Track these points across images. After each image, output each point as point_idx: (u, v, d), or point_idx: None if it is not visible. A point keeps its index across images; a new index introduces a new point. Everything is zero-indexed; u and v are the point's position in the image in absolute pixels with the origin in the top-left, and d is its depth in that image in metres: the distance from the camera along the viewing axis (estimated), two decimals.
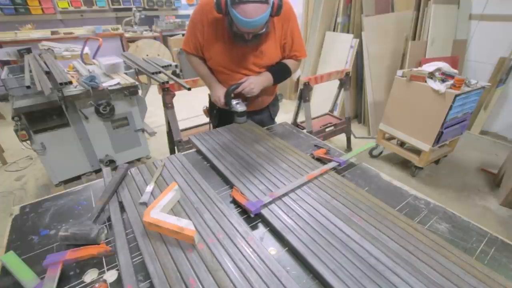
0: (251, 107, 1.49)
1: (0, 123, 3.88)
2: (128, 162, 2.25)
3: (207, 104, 1.69)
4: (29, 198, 2.41)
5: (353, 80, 3.61)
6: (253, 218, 0.83)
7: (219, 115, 1.61)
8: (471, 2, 3.17)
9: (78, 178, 2.26)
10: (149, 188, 0.92)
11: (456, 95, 2.09)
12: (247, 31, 1.16)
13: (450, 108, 2.14)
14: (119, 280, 0.65)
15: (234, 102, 1.36)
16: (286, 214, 0.81)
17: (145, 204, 0.86)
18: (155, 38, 5.11)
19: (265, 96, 1.53)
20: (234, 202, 0.89)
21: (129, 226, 0.79)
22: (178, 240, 0.71)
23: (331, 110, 3.35)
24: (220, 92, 1.38)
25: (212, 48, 1.34)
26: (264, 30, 1.20)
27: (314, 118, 3.04)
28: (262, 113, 1.58)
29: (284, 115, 3.97)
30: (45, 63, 2.23)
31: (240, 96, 1.36)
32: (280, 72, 1.42)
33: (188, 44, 1.40)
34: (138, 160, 2.51)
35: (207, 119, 1.79)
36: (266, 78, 1.38)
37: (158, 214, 0.74)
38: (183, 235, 0.69)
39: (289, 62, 1.43)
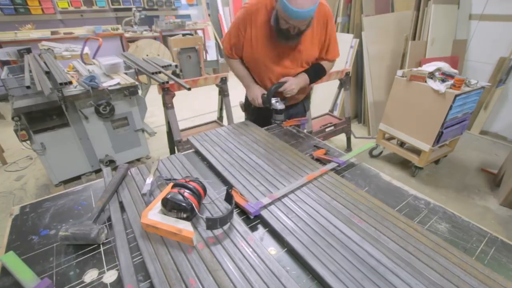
0: (288, 102, 1.56)
1: (0, 123, 3.88)
2: (128, 162, 2.25)
3: (242, 100, 1.76)
4: (29, 198, 2.41)
5: (353, 80, 3.61)
6: (252, 219, 0.83)
7: (256, 112, 1.67)
8: (471, 2, 3.17)
9: (78, 178, 2.26)
10: (149, 180, 0.94)
11: (456, 95, 2.09)
12: (294, 23, 1.17)
13: (450, 108, 2.14)
14: (119, 280, 0.65)
15: (273, 100, 1.43)
16: (286, 216, 0.81)
17: (147, 195, 0.88)
18: (155, 38, 5.11)
19: (300, 94, 1.61)
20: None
21: (129, 226, 0.79)
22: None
23: (331, 110, 3.34)
24: (258, 93, 1.47)
25: (253, 46, 1.39)
26: (308, 25, 1.23)
27: (314, 118, 3.04)
28: (297, 107, 1.68)
29: None
30: (45, 63, 2.23)
31: (278, 94, 1.44)
32: (316, 73, 1.51)
33: (228, 43, 1.47)
34: (138, 160, 2.51)
35: (207, 119, 1.81)
36: (303, 80, 1.46)
37: (156, 215, 0.74)
38: (181, 237, 0.69)
39: (324, 63, 1.51)
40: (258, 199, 0.86)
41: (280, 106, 1.43)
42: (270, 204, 0.85)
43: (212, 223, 0.72)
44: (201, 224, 0.77)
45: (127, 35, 4.99)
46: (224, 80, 2.36)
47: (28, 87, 1.77)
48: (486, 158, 2.96)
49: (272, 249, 0.73)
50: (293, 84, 1.40)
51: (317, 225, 0.77)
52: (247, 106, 1.73)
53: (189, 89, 1.99)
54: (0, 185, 2.59)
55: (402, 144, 2.84)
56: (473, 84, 2.23)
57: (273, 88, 1.39)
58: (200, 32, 5.68)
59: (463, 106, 2.26)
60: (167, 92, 2.03)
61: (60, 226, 0.81)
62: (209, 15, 6.20)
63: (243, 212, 0.85)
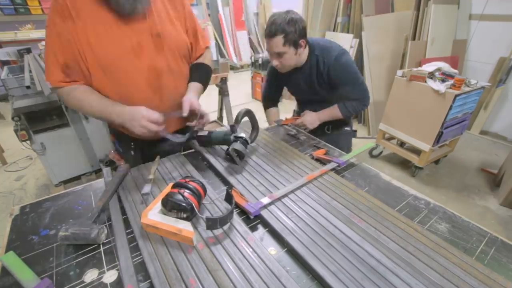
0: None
1: (0, 123, 3.88)
2: None
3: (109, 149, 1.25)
4: (29, 198, 2.41)
5: None
6: (252, 219, 0.83)
7: (141, 147, 1.18)
8: (471, 2, 3.17)
9: (78, 178, 2.26)
10: (149, 180, 0.95)
11: (456, 95, 2.09)
12: None
13: (450, 108, 2.14)
14: (119, 280, 0.65)
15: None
16: (286, 216, 0.80)
17: (147, 194, 0.88)
18: None
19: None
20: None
21: (129, 226, 0.79)
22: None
23: None
24: (154, 115, 0.93)
25: (95, 44, 0.89)
26: None
27: None
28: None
29: (284, 115, 3.97)
30: None
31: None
32: (205, 75, 1.16)
33: (57, 68, 0.91)
34: None
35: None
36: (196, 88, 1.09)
37: (156, 215, 0.74)
38: (181, 237, 0.69)
39: (206, 56, 1.19)
40: (258, 199, 0.86)
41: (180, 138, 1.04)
42: (270, 204, 0.85)
43: (212, 223, 0.72)
44: (201, 224, 0.77)
45: None
46: (224, 80, 2.36)
47: (28, 87, 1.78)
48: (486, 158, 2.96)
49: (272, 249, 0.73)
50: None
51: (317, 225, 0.77)
52: (125, 144, 1.18)
53: None
54: (0, 185, 2.59)
55: (402, 144, 2.85)
56: (473, 84, 2.23)
57: (241, 112, 1.05)
58: None
59: (463, 106, 2.26)
60: None
61: (60, 226, 0.81)
62: (209, 15, 6.19)
63: (243, 212, 0.85)
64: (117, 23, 0.91)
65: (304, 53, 1.38)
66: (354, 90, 1.44)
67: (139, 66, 0.97)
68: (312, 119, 1.50)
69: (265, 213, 0.81)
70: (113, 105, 0.95)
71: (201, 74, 1.13)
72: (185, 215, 0.76)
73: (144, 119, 0.91)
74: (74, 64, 0.91)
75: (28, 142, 1.96)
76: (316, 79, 1.42)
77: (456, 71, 2.34)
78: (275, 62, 1.34)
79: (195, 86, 1.10)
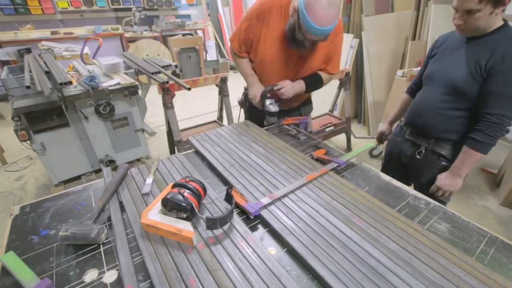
0: (282, 106, 1.54)
1: (0, 123, 3.88)
2: (128, 162, 2.25)
3: (241, 96, 1.77)
4: (29, 198, 2.41)
5: (353, 80, 3.61)
6: (252, 219, 0.83)
7: (250, 112, 1.69)
8: None
9: (78, 178, 2.26)
10: (149, 180, 0.95)
11: None
12: (312, 38, 1.18)
13: None
14: (119, 280, 0.65)
15: (267, 102, 1.42)
16: (286, 216, 0.81)
17: (147, 194, 0.88)
18: (155, 38, 5.10)
19: (294, 102, 1.60)
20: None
21: (129, 226, 0.79)
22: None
23: (331, 110, 3.34)
24: (258, 92, 1.44)
25: (261, 45, 1.38)
26: (324, 39, 1.22)
27: (314, 118, 3.04)
28: (292, 112, 1.64)
29: None
30: (45, 63, 2.23)
31: (274, 96, 1.43)
32: (313, 83, 1.50)
33: (237, 41, 1.45)
34: (138, 160, 2.51)
35: (207, 119, 1.79)
36: (299, 86, 1.45)
37: (156, 215, 0.74)
38: (181, 237, 0.70)
39: (323, 75, 1.50)
40: (258, 199, 0.86)
41: (273, 108, 1.41)
42: (270, 204, 0.85)
43: (212, 223, 0.72)
44: (201, 224, 0.77)
45: (127, 35, 4.98)
46: (224, 80, 2.36)
47: (28, 87, 1.77)
48: (486, 158, 2.94)
49: (272, 249, 0.73)
50: (290, 89, 1.40)
51: (317, 225, 0.77)
52: (244, 103, 1.74)
53: (189, 89, 2.00)
54: (0, 185, 2.59)
55: None
56: None
57: (266, 90, 1.39)
58: (200, 32, 5.68)
59: None
60: (167, 92, 2.03)
61: (60, 226, 0.81)
62: (209, 15, 6.20)
63: (243, 212, 0.85)
64: (281, 43, 1.34)
65: (497, 19, 1.04)
66: (506, 99, 1.05)
67: (277, 70, 1.43)
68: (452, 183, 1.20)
69: (265, 213, 0.81)
70: (252, 78, 1.52)
71: (310, 78, 1.49)
72: (185, 215, 0.76)
73: (252, 94, 1.49)
74: (246, 46, 1.46)
75: (28, 142, 1.96)
76: (484, 63, 1.05)
77: None
78: (458, 21, 1.07)
79: (299, 81, 1.46)
